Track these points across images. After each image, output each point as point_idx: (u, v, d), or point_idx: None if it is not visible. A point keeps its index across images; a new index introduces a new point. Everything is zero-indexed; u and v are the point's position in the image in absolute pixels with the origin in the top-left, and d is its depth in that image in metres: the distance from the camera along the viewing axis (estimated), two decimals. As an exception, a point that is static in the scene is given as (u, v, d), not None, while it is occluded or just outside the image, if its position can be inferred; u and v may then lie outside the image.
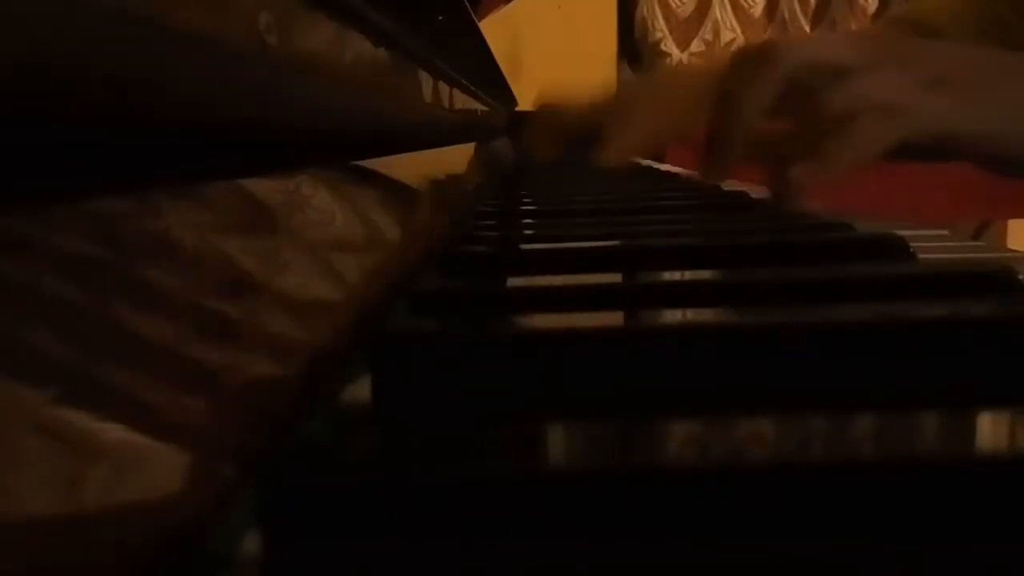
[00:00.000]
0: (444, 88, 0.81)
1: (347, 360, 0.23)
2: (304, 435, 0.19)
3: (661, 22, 3.19)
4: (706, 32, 3.19)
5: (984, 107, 0.50)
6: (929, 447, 0.19)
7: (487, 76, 1.21)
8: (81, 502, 0.12)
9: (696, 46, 3.19)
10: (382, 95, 0.52)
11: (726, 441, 0.19)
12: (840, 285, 0.31)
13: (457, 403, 0.23)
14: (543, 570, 0.15)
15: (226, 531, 0.15)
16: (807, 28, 3.14)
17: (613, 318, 0.29)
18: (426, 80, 0.69)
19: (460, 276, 0.37)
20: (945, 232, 0.54)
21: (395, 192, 0.42)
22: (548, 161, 0.69)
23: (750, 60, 0.52)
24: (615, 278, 0.35)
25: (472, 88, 1.07)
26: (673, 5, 3.19)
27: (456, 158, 0.74)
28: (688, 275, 0.36)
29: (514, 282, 0.35)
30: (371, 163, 0.39)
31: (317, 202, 0.28)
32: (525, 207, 0.70)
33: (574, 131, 0.67)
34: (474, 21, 0.87)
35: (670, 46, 3.19)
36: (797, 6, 3.19)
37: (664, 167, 1.30)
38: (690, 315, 0.27)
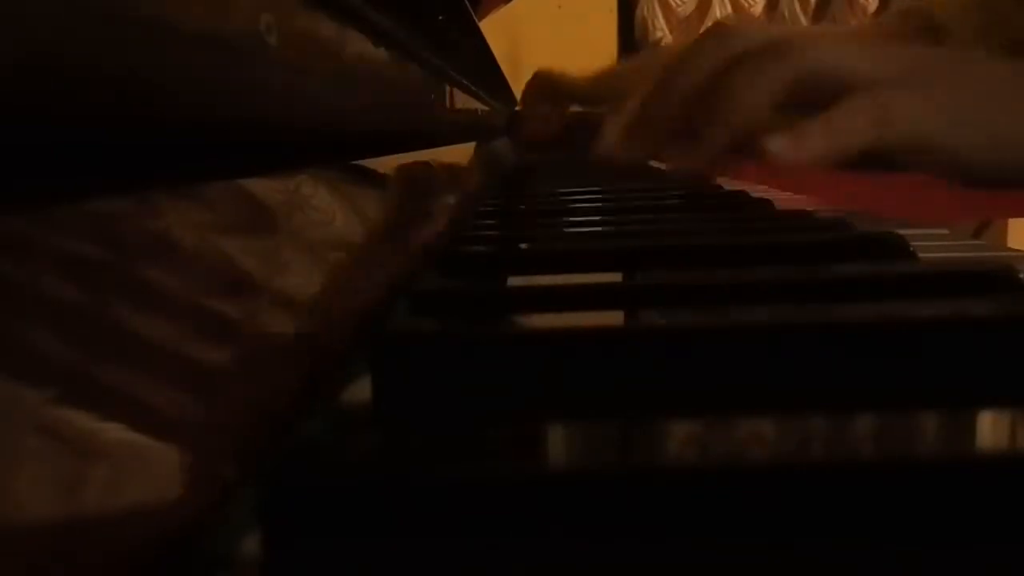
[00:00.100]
0: (444, 88, 0.81)
1: (347, 360, 0.23)
2: (304, 435, 0.19)
3: (661, 21, 3.19)
4: (706, 31, 3.19)
5: (965, 119, 0.50)
6: (929, 447, 0.19)
7: (487, 76, 1.21)
8: (81, 502, 0.12)
9: (696, 45, 3.18)
10: (382, 95, 0.52)
11: (726, 441, 0.19)
12: (840, 284, 0.31)
13: (457, 403, 0.23)
14: (543, 570, 0.15)
15: (226, 531, 0.15)
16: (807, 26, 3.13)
17: (613, 318, 0.29)
18: (426, 80, 0.69)
19: (460, 276, 0.37)
20: (945, 231, 0.54)
21: (395, 192, 0.42)
22: (544, 139, 0.68)
23: (756, 55, 0.51)
24: (615, 278, 0.35)
25: (472, 88, 1.07)
26: (673, 4, 3.20)
27: (456, 158, 0.74)
28: (688, 274, 0.36)
29: (514, 282, 0.35)
30: (371, 163, 0.39)
31: (317, 202, 0.28)
32: (525, 207, 0.70)
33: (569, 99, 0.66)
34: (474, 21, 0.87)
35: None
36: (797, 4, 3.19)
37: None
38: (690, 315, 0.27)
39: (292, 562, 0.16)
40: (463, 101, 0.97)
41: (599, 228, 0.55)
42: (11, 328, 0.12)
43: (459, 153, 0.77)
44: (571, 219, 0.59)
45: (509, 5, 1.67)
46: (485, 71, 1.17)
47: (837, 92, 0.49)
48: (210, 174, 0.21)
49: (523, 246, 0.45)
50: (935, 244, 0.48)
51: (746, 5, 3.20)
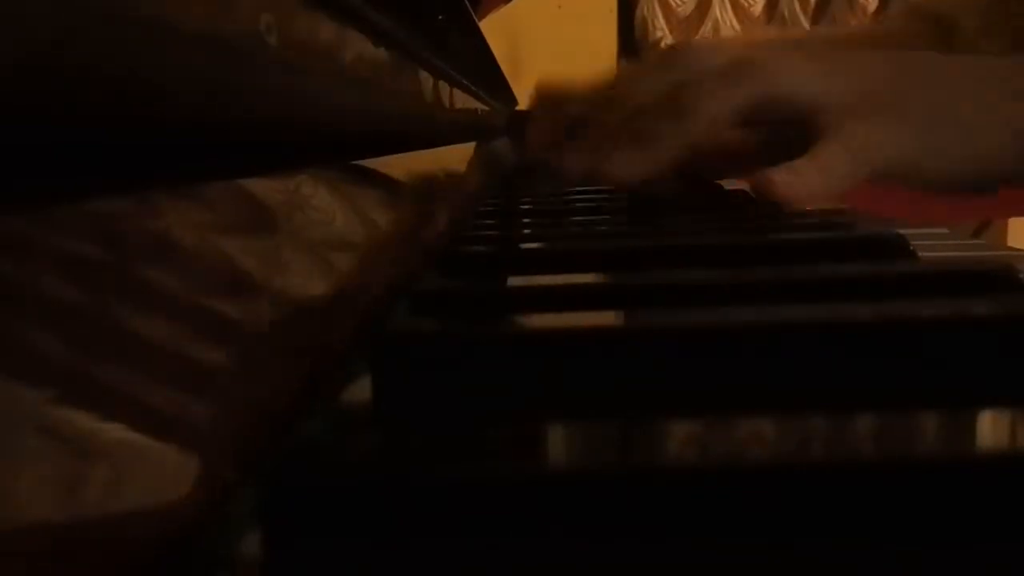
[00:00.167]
0: (444, 88, 0.81)
1: (347, 360, 0.23)
2: (304, 435, 0.19)
3: (661, 21, 3.19)
4: (706, 31, 3.19)
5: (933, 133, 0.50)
6: (929, 447, 0.19)
7: (487, 76, 1.21)
8: (81, 502, 0.12)
9: (696, 45, 3.18)
10: (382, 95, 0.52)
11: (726, 441, 0.19)
12: (840, 284, 0.31)
13: (457, 403, 0.23)
14: (543, 570, 0.15)
15: (226, 531, 0.15)
16: (807, 27, 3.13)
17: (613, 318, 0.29)
18: (426, 80, 0.69)
19: (460, 276, 0.37)
20: (945, 231, 0.54)
21: (395, 192, 0.42)
22: (547, 150, 0.68)
23: (719, 74, 0.52)
24: (615, 278, 0.35)
25: (472, 88, 1.07)
26: (673, 4, 3.20)
27: (456, 158, 0.74)
28: (688, 274, 0.36)
29: (514, 282, 0.35)
30: (371, 163, 0.39)
31: (317, 202, 0.28)
32: (525, 207, 0.70)
33: (572, 115, 0.66)
34: (474, 21, 0.86)
35: (670, 45, 3.19)
36: (797, 5, 3.19)
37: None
38: (690, 314, 0.27)
39: (292, 562, 0.16)
40: (463, 101, 0.97)
41: (599, 228, 0.55)
42: (11, 328, 0.12)
43: (459, 153, 0.77)
44: (571, 219, 0.59)
45: (509, 5, 1.67)
46: (485, 71, 1.16)
47: (799, 113, 0.50)
48: (210, 174, 0.21)
49: (523, 246, 0.45)
50: (935, 244, 0.48)
51: (746, 5, 3.20)
